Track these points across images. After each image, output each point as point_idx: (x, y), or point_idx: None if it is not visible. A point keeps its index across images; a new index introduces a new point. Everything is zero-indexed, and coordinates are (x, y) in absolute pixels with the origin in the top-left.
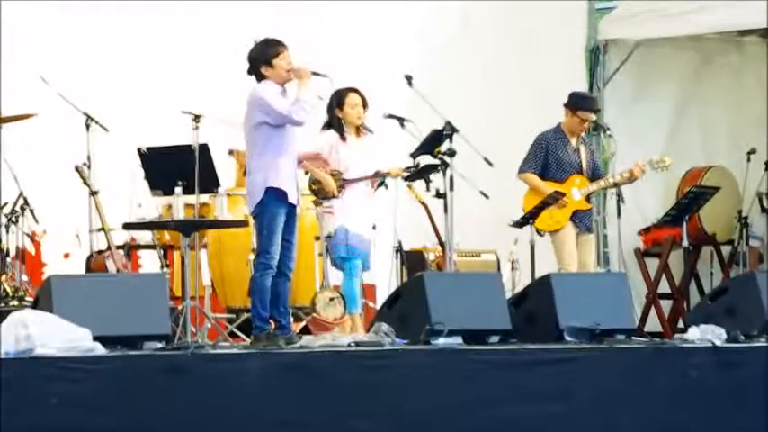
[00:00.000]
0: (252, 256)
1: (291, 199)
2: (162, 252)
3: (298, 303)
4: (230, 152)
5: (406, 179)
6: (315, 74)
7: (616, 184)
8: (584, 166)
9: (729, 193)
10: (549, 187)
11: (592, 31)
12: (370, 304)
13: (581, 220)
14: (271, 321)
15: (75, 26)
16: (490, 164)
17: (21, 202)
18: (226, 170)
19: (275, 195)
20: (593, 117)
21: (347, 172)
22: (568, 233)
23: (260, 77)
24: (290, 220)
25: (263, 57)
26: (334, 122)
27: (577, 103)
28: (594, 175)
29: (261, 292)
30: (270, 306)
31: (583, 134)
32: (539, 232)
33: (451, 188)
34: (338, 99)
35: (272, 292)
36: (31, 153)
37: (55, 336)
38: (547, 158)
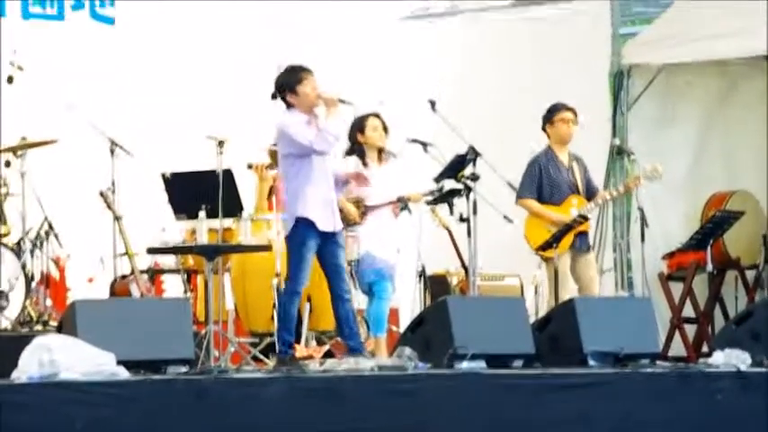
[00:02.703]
0: (275, 281)
1: (321, 227)
2: (185, 276)
3: (321, 327)
4: (249, 166)
5: (429, 203)
6: (341, 101)
7: (613, 199)
8: (579, 185)
9: (754, 217)
10: (550, 211)
11: (615, 56)
12: (394, 328)
13: (581, 240)
14: (295, 346)
15: (99, 51)
16: (513, 188)
17: (45, 226)
18: (249, 193)
19: (304, 224)
20: (568, 114)
21: (370, 198)
22: (565, 260)
23: (287, 104)
24: (331, 245)
25: (288, 84)
26: (356, 149)
27: (549, 112)
28: (589, 192)
29: (285, 317)
30: (338, 331)
31: (576, 153)
32: (542, 258)
33: (475, 212)
34: (358, 124)
35: (335, 317)
36: (56, 178)
37: (79, 360)
38: (541, 181)
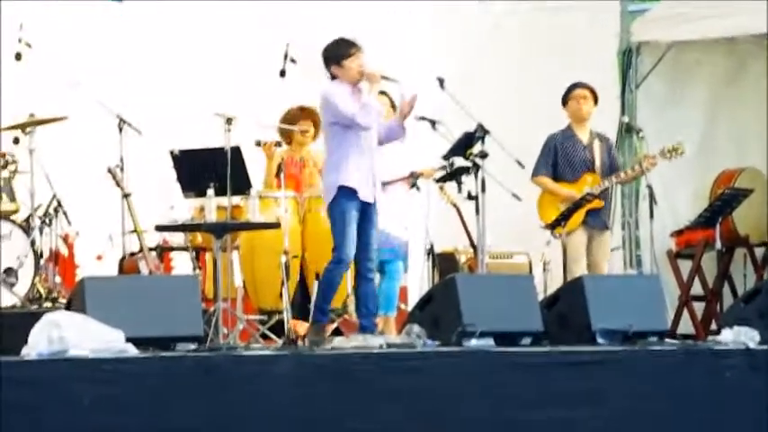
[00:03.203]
0: (284, 258)
1: (362, 197)
2: (194, 254)
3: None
4: (257, 143)
5: (437, 181)
6: (385, 78)
7: (627, 180)
8: (596, 162)
9: (763, 194)
10: (563, 188)
11: (624, 34)
12: (402, 306)
13: (594, 218)
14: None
15: (107, 29)
16: (522, 166)
17: (54, 204)
18: (257, 170)
19: (346, 193)
20: (582, 91)
21: (381, 175)
22: (578, 237)
23: (332, 76)
24: (366, 221)
25: (334, 56)
26: None
27: (566, 91)
28: (612, 171)
29: (325, 285)
30: (355, 307)
31: (597, 131)
32: (553, 235)
33: (483, 190)
34: None
35: (355, 293)
36: (65, 155)
37: (88, 337)
38: (556, 159)
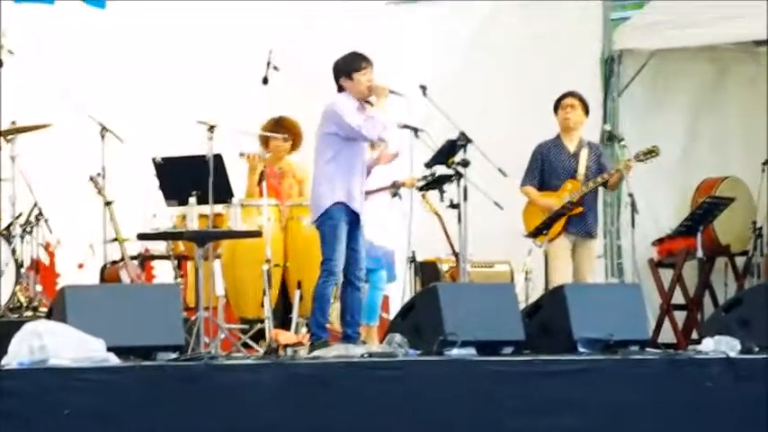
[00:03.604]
0: (266, 267)
1: (354, 209)
2: (176, 262)
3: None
4: (241, 154)
5: (420, 189)
6: (392, 92)
7: (604, 184)
8: (580, 170)
9: (744, 203)
10: (542, 198)
11: (606, 41)
12: (384, 315)
13: (576, 225)
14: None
15: (90, 37)
16: (504, 174)
17: (35, 212)
18: (239, 179)
19: (340, 208)
20: (569, 100)
21: (365, 183)
22: (560, 245)
23: (339, 88)
24: (355, 228)
25: (345, 69)
26: None
27: (556, 101)
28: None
29: (320, 300)
30: (340, 314)
31: (589, 139)
32: (535, 243)
33: (465, 199)
34: None
35: (341, 300)
36: (46, 163)
37: (69, 346)
38: (543, 168)
